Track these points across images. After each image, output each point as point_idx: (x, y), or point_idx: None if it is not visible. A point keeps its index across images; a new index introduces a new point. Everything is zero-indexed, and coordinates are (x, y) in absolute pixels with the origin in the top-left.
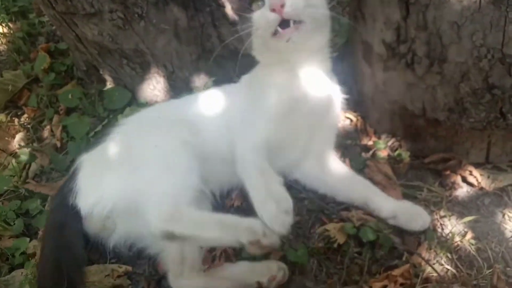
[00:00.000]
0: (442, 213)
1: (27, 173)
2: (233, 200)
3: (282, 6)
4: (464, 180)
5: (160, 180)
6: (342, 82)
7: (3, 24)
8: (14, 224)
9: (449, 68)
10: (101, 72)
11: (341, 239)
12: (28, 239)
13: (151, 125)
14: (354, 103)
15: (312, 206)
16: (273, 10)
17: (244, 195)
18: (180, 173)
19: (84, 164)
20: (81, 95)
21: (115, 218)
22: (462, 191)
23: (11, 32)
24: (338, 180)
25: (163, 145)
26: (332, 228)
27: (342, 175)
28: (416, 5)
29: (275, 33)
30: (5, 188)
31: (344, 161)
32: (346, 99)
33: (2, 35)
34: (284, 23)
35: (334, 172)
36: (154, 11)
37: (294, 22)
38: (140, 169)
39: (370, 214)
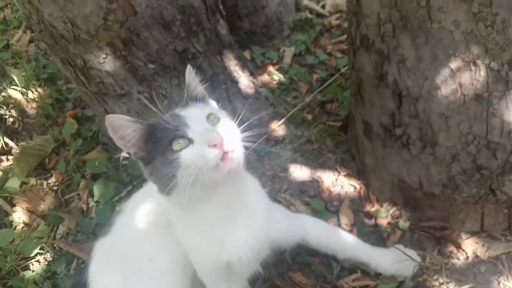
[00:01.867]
0: (441, 280)
1: (54, 235)
2: None
3: (222, 140)
4: (459, 249)
5: None
6: (347, 150)
7: (33, 90)
8: (43, 286)
9: (440, 151)
10: None
11: None
12: None
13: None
14: (357, 172)
15: (318, 271)
16: (214, 146)
17: None
18: None
19: (96, 252)
20: (106, 162)
21: None
22: (459, 259)
23: (41, 97)
24: (332, 243)
25: (156, 262)
26: None
27: (338, 240)
28: (408, 97)
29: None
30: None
31: (351, 229)
32: (350, 168)
33: (32, 100)
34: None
35: (328, 238)
36: (176, 91)
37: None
38: (130, 280)
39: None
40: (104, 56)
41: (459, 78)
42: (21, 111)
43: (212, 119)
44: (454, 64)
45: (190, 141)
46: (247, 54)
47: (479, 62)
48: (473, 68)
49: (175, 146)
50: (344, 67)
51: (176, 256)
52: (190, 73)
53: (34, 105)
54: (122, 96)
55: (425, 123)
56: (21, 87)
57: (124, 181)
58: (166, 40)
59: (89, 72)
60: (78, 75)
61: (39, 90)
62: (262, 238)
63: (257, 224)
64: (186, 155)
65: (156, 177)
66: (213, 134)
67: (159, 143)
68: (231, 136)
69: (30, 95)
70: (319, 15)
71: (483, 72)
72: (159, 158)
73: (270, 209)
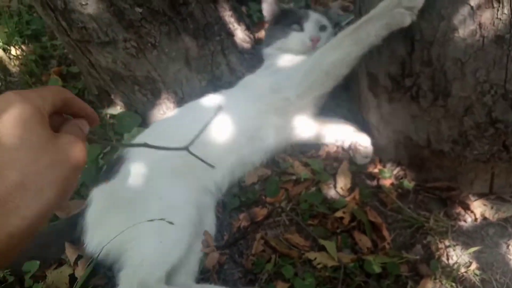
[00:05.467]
0: (447, 243)
1: None
2: (240, 221)
3: (318, 40)
4: (466, 210)
5: (149, 243)
6: (348, 109)
7: (16, 47)
8: None
9: (453, 102)
10: (112, 97)
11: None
12: (38, 262)
13: (161, 165)
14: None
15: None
16: (312, 41)
17: (251, 216)
18: (170, 243)
19: (94, 199)
20: None
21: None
22: (467, 221)
23: (24, 54)
24: None
25: (166, 200)
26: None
27: None
28: (421, 42)
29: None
30: None
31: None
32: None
33: (15, 58)
34: None
35: None
36: (167, 40)
37: None
38: (138, 220)
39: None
40: None
41: (479, 17)
42: (3, 69)
43: (322, 28)
44: (474, 1)
45: (302, 29)
46: (243, 10)
47: None
48: (495, 4)
49: (294, 26)
50: (345, 22)
51: (189, 192)
52: None
53: (17, 62)
54: (106, 44)
55: (439, 71)
56: (3, 43)
57: (111, 140)
58: None
59: (71, 16)
60: (60, 21)
61: (22, 46)
62: None
63: None
64: (294, 35)
65: (270, 33)
66: (317, 35)
67: (286, 19)
68: (322, 41)
69: (13, 52)
70: None
71: (506, 10)
72: (279, 26)
73: None
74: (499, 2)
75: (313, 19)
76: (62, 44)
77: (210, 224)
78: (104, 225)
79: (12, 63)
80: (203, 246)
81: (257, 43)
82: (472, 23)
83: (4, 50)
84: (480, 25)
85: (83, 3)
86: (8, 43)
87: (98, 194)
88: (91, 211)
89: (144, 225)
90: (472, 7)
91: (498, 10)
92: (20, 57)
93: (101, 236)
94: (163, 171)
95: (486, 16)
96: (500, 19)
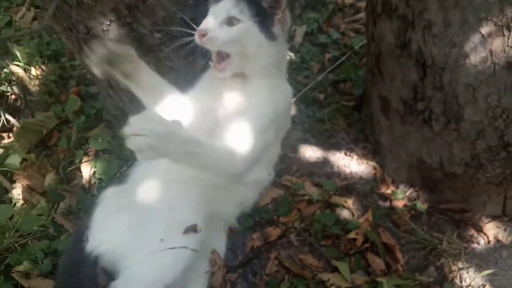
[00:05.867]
0: (460, 265)
1: (55, 212)
2: (254, 241)
3: (204, 35)
4: (480, 233)
5: (146, 262)
6: (359, 130)
7: (37, 67)
8: (43, 263)
9: (465, 126)
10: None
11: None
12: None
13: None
14: (372, 152)
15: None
16: (199, 36)
17: (265, 236)
18: (167, 264)
19: (103, 200)
20: (110, 138)
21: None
22: (480, 243)
23: (44, 74)
24: None
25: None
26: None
27: None
28: (433, 67)
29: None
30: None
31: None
32: (364, 148)
33: (35, 77)
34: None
35: None
36: (184, 64)
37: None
38: (142, 228)
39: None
40: (108, 23)
41: (490, 44)
42: (24, 88)
43: (230, 21)
44: (485, 29)
45: None
46: None
47: None
48: (506, 33)
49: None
50: (358, 45)
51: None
52: None
53: (37, 82)
54: None
55: (450, 96)
56: (24, 63)
57: (127, 159)
58: (173, 7)
59: (93, 41)
60: (81, 45)
61: (42, 67)
62: None
63: None
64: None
65: None
66: (202, 30)
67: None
68: (214, 38)
69: (33, 72)
70: None
71: None
72: None
73: None
74: (509, 30)
75: (219, 7)
76: (81, 65)
77: (219, 244)
78: (109, 227)
79: (32, 83)
80: (210, 265)
81: None
82: (483, 50)
83: (25, 70)
84: (491, 52)
85: (105, 29)
86: (29, 63)
87: (108, 195)
88: (99, 210)
89: (146, 239)
90: (483, 35)
91: (508, 38)
92: (40, 77)
93: (104, 236)
94: (171, 182)
95: (497, 43)
96: (510, 46)
